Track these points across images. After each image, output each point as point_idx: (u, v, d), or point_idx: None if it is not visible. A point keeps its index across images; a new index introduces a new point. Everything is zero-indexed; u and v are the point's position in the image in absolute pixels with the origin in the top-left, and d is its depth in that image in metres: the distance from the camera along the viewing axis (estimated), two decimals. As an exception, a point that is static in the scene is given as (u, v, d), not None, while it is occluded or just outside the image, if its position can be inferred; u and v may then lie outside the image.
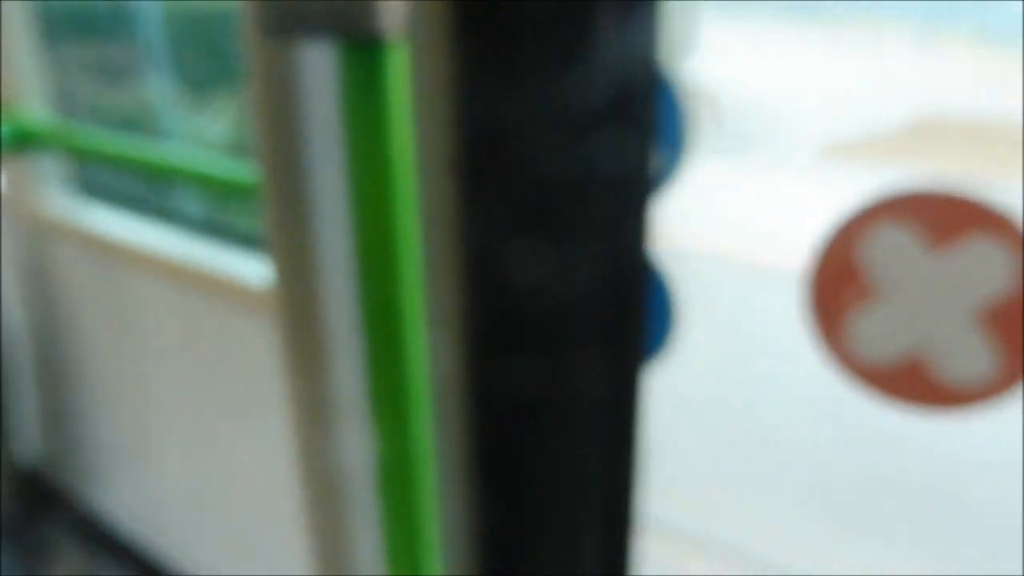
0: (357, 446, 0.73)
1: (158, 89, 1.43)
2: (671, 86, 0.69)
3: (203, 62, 1.40)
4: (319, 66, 0.59)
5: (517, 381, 0.86)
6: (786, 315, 0.72)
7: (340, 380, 0.71)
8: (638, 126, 0.69)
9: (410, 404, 0.64)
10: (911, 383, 0.65)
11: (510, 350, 0.85)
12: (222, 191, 1.13)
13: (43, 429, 1.80)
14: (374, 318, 0.62)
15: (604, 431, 0.84)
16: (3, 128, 1.33)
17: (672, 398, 0.85)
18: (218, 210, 1.33)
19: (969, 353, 0.62)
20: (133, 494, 1.62)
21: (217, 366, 1.28)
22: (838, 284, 0.65)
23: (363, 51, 0.50)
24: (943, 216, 0.59)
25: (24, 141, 1.36)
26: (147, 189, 1.44)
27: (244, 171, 1.05)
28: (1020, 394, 0.61)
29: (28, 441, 1.68)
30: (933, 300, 0.62)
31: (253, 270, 1.12)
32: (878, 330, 0.65)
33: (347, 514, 0.78)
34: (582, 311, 0.77)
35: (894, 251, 0.62)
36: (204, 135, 1.42)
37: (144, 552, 1.58)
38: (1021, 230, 0.56)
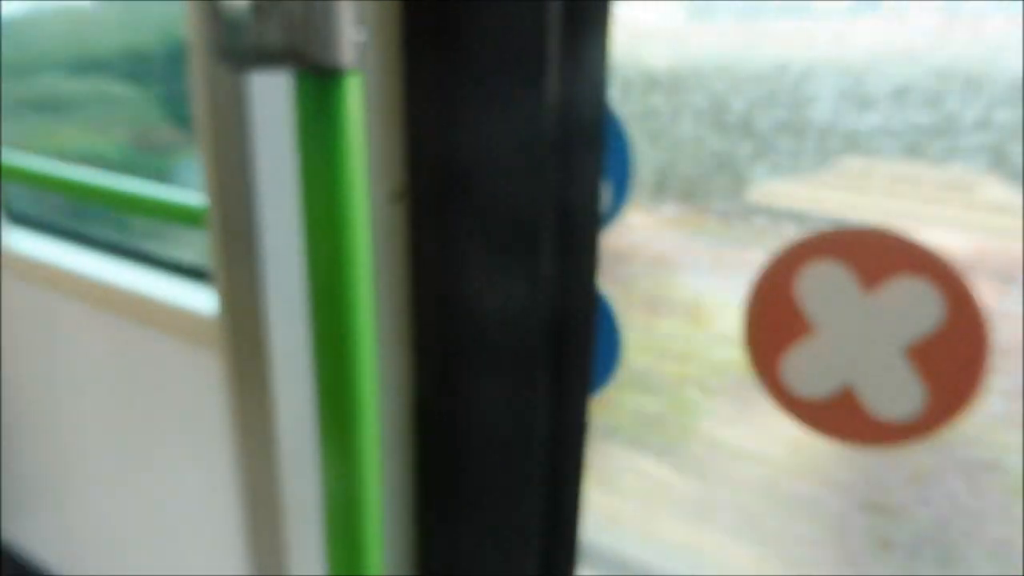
0: (304, 479, 0.72)
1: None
2: (616, 119, 0.71)
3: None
4: (271, 95, 0.59)
5: (466, 408, 0.86)
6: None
7: (287, 411, 0.70)
8: (589, 156, 0.71)
9: (359, 435, 0.63)
10: (844, 418, 0.67)
11: (460, 377, 0.86)
12: (162, 218, 1.11)
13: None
14: (324, 346, 0.62)
15: (550, 458, 0.85)
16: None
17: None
18: (137, 237, 1.31)
19: (900, 389, 0.64)
20: (55, 530, 1.55)
21: (147, 396, 1.25)
22: (773, 319, 0.67)
23: (319, 80, 0.51)
24: (875, 254, 0.62)
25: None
26: (70, 216, 1.41)
27: (186, 198, 1.04)
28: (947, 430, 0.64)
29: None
30: (865, 336, 0.64)
31: (185, 297, 1.10)
32: (812, 365, 0.67)
33: (293, 549, 0.76)
34: (531, 339, 0.78)
35: (828, 288, 0.64)
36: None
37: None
38: (950, 269, 0.59)
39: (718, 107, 0.68)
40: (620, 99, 0.71)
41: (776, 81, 0.64)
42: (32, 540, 1.62)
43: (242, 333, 0.68)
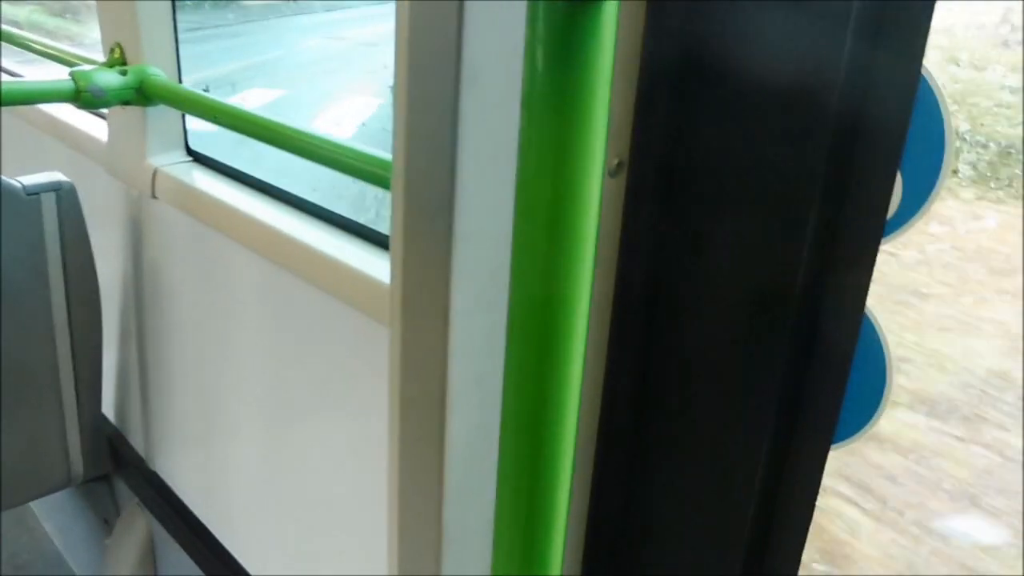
0: (472, 484, 0.60)
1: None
2: (930, 91, 0.53)
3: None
4: (496, 19, 0.46)
5: (660, 426, 0.71)
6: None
7: (461, 405, 0.58)
8: (881, 144, 0.53)
9: (554, 444, 0.50)
10: None
11: (658, 391, 0.71)
12: (351, 174, 1.01)
13: (119, 392, 1.75)
14: (524, 346, 0.48)
15: (761, 513, 0.69)
16: (128, 78, 1.27)
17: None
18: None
19: None
20: (198, 472, 1.54)
21: (309, 359, 1.18)
22: None
23: (566, 5, 0.37)
24: None
25: (144, 96, 1.30)
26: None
27: (382, 159, 0.94)
28: None
29: (105, 404, 1.63)
30: None
31: (362, 261, 1.01)
32: None
33: (448, 560, 0.64)
34: (761, 367, 0.62)
35: None
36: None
37: (206, 536, 1.51)
38: None
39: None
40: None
41: None
42: (177, 477, 1.63)
43: (416, 310, 0.56)
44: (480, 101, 0.47)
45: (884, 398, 0.60)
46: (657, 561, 0.72)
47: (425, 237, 0.53)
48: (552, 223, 0.41)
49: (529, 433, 0.51)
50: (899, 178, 0.54)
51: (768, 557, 0.68)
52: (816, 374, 0.60)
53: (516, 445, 0.51)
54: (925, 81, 0.54)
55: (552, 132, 0.39)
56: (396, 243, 0.55)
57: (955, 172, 0.54)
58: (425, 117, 0.48)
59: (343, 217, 1.14)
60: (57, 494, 1.63)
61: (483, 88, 0.46)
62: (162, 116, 1.37)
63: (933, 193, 0.53)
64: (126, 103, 1.28)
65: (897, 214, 0.55)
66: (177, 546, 1.58)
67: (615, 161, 0.59)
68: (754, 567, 0.68)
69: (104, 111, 1.49)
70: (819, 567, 0.70)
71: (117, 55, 1.30)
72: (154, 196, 1.38)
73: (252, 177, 1.31)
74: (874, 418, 0.61)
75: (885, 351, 0.58)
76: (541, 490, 0.50)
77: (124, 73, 1.24)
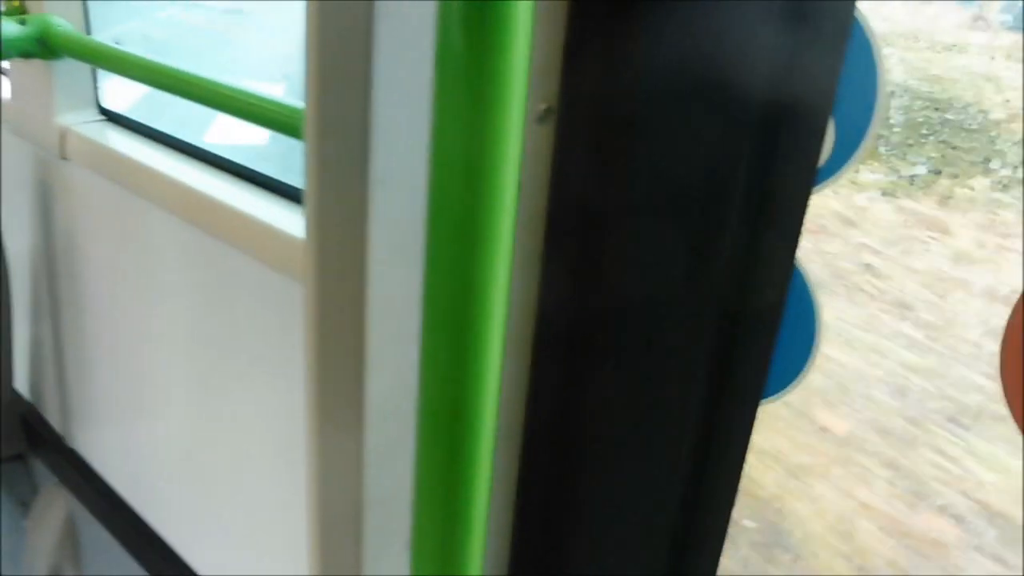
0: (392, 451, 0.57)
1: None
2: (865, 37, 0.51)
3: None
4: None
5: (592, 396, 0.70)
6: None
7: (380, 369, 0.55)
8: (812, 91, 0.52)
9: (473, 421, 0.48)
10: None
11: (590, 359, 0.69)
12: (264, 124, 0.96)
13: (32, 367, 1.67)
14: (439, 302, 0.46)
15: (695, 472, 0.68)
16: (28, 28, 1.18)
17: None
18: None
19: None
20: (121, 451, 1.48)
21: (227, 321, 1.13)
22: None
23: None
24: None
25: (48, 48, 1.21)
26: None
27: (293, 107, 0.89)
28: None
29: (18, 379, 1.54)
30: None
31: (276, 216, 0.96)
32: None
33: (369, 525, 0.62)
34: (696, 321, 0.60)
35: None
36: None
37: (129, 514, 1.45)
38: None
39: None
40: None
41: None
42: (97, 455, 1.56)
43: (330, 267, 0.52)
44: (394, 42, 0.44)
45: (814, 349, 0.59)
46: (586, 549, 0.71)
47: (339, 188, 0.50)
48: (469, 172, 0.39)
49: (449, 396, 0.49)
50: (831, 125, 0.53)
51: (692, 540, 0.68)
52: (747, 330, 0.59)
53: (434, 410, 0.48)
54: (859, 26, 0.52)
55: (466, 74, 0.36)
56: (310, 195, 0.52)
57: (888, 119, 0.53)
58: (337, 62, 0.44)
59: (270, 177, 1.09)
60: (-32, 475, 1.55)
61: (397, 28, 0.43)
62: (70, 71, 1.29)
63: (865, 140, 0.52)
64: (27, 56, 1.20)
65: (829, 161, 0.54)
66: (99, 525, 1.52)
67: (542, 106, 0.57)
68: (679, 553, 0.68)
69: (4, 65, 1.39)
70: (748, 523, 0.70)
71: (16, 3, 1.21)
72: (64, 157, 1.30)
73: (172, 136, 1.24)
74: (804, 370, 0.60)
75: (814, 301, 0.57)
76: (462, 451, 0.48)
77: (23, 23, 1.16)
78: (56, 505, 1.70)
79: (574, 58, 0.57)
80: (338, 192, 0.49)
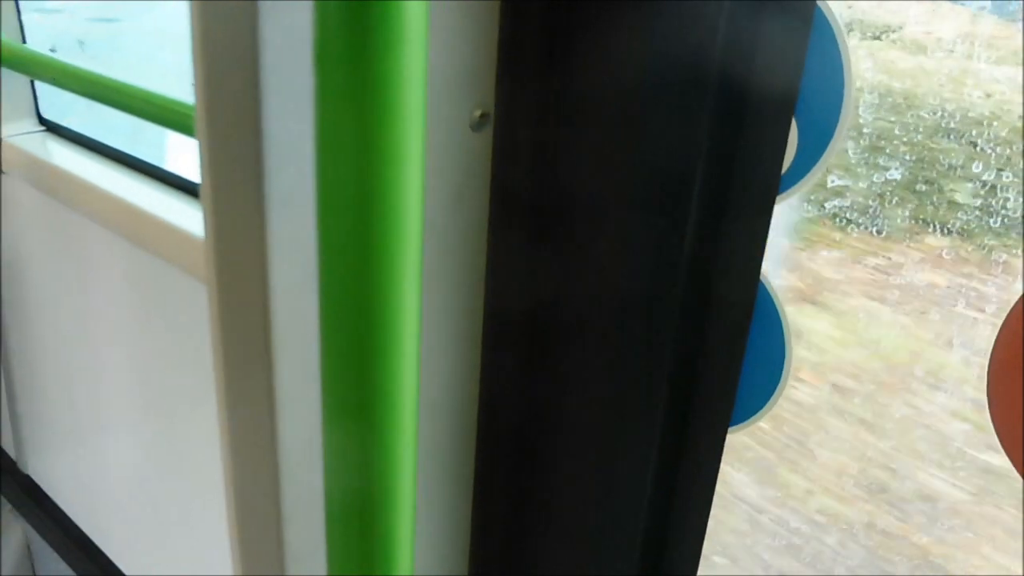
0: (306, 450, 0.53)
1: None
2: (828, 27, 0.46)
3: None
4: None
5: (550, 409, 0.64)
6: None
7: (288, 367, 0.50)
8: (773, 90, 0.47)
9: (383, 420, 0.42)
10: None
11: (545, 371, 0.64)
12: (153, 119, 0.91)
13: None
14: (335, 302, 0.40)
15: (659, 504, 0.63)
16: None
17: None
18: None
19: None
20: (73, 475, 1.41)
21: (151, 331, 1.07)
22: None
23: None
24: None
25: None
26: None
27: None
28: None
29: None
30: None
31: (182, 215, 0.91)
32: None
33: (287, 535, 0.57)
34: (655, 339, 0.55)
35: None
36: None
37: (84, 542, 1.39)
38: None
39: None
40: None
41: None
42: (51, 480, 1.50)
43: (231, 265, 0.48)
44: (279, 39, 0.39)
45: (785, 373, 0.54)
46: (549, 561, 0.65)
47: (235, 185, 0.45)
48: (360, 170, 0.33)
49: (352, 393, 0.43)
50: (794, 127, 0.48)
51: (667, 553, 0.62)
52: (711, 348, 0.54)
53: (340, 409, 0.43)
54: (823, 17, 0.47)
55: (347, 77, 0.31)
56: (206, 194, 0.47)
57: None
58: (223, 50, 0.39)
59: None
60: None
61: (281, 27, 0.38)
62: (7, 82, 1.22)
63: (832, 143, 0.47)
64: (-40, 66, 1.13)
65: (793, 167, 0.49)
66: (55, 554, 1.46)
67: (476, 113, 0.51)
68: (653, 565, 0.63)
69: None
70: (718, 559, 0.65)
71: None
72: (1, 171, 1.23)
73: (114, 149, 1.18)
74: (775, 395, 0.55)
75: (783, 320, 0.52)
76: (372, 446, 0.42)
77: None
78: (12, 533, 1.64)
79: (511, 60, 0.51)
80: (233, 190, 0.45)
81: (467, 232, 0.56)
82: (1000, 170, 0.45)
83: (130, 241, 1.06)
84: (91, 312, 1.21)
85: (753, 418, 0.56)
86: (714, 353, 0.53)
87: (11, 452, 1.56)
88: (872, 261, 0.55)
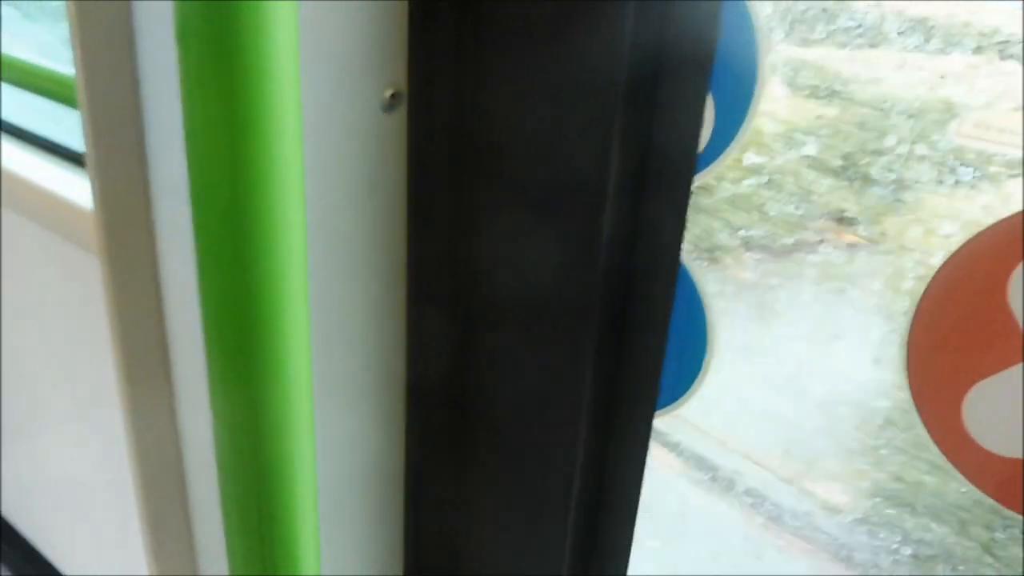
0: (200, 421, 0.51)
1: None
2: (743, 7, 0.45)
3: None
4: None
5: (479, 397, 0.63)
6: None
7: (182, 340, 0.48)
8: (689, 63, 0.46)
9: (269, 396, 0.40)
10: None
11: (471, 355, 0.62)
12: (32, 90, 0.88)
13: None
14: (219, 283, 0.39)
15: (588, 500, 0.62)
16: None
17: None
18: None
19: None
20: (14, 473, 1.37)
21: (38, 308, 1.04)
22: (965, 335, 0.43)
23: None
24: None
25: None
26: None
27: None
28: None
29: None
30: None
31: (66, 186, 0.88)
32: (1013, 408, 0.43)
33: (187, 503, 0.55)
34: (576, 323, 0.54)
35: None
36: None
37: (18, 541, 1.35)
38: None
39: None
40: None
41: None
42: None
43: (120, 236, 0.46)
44: (150, 14, 0.37)
45: (707, 355, 0.53)
46: (480, 555, 0.64)
47: (118, 154, 0.43)
48: (230, 151, 0.31)
49: (237, 372, 0.41)
50: (710, 104, 0.47)
51: (599, 536, 0.62)
52: (634, 331, 0.53)
53: (227, 385, 0.41)
54: (737, -8, 0.47)
55: (210, 54, 0.29)
56: (91, 164, 0.45)
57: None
58: (99, 23, 0.37)
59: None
60: None
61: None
62: None
63: (748, 117, 0.46)
64: None
65: (709, 145, 0.48)
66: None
67: (388, 93, 0.50)
68: (585, 549, 0.62)
69: None
70: (652, 543, 0.65)
71: None
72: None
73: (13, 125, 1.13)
74: (699, 377, 0.55)
75: (704, 303, 0.52)
76: (262, 454, 0.41)
77: None
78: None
79: (425, 33, 0.50)
80: (117, 162, 0.43)
81: (383, 217, 0.54)
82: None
83: (47, 229, 1.02)
84: (11, 304, 1.17)
85: (679, 401, 0.55)
86: (637, 336, 0.53)
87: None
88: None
